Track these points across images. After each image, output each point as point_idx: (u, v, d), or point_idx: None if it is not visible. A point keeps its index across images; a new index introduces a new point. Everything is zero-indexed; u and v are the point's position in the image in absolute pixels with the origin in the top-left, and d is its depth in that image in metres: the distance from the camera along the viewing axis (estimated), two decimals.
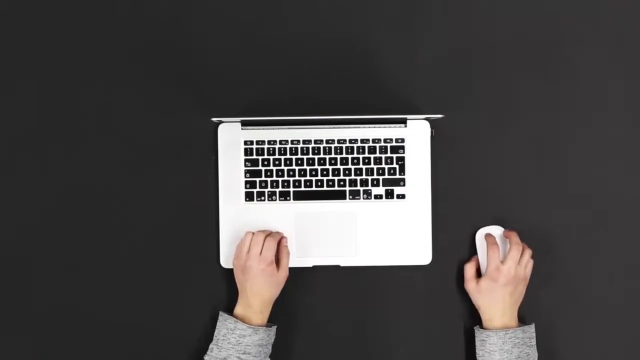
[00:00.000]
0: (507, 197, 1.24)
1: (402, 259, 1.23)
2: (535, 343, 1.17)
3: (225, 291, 1.23)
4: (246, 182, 1.23)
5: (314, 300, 1.24)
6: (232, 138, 1.23)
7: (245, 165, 1.23)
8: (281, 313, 1.19)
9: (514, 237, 1.18)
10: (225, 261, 1.22)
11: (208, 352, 1.14)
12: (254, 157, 1.23)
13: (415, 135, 1.23)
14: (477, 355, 1.17)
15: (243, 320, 1.14)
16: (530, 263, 1.18)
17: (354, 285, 1.24)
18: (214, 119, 1.17)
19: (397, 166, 1.23)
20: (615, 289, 1.24)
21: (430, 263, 1.23)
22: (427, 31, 1.25)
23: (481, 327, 1.18)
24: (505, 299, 1.15)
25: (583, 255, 1.24)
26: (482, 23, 1.25)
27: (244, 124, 1.22)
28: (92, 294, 1.23)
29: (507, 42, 1.25)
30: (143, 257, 1.24)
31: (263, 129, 1.22)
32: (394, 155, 1.23)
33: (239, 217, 1.22)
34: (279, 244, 1.18)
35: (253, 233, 1.17)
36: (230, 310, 1.18)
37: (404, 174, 1.23)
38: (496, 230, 1.23)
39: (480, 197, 1.24)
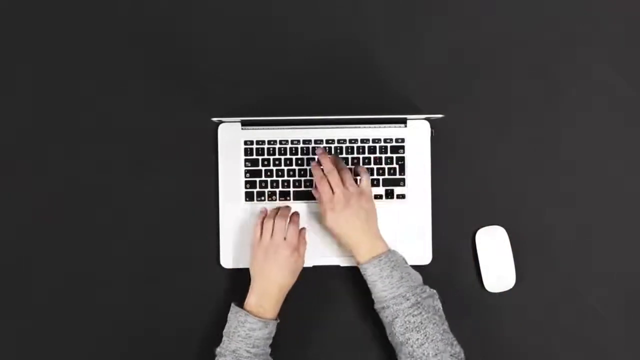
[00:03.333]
0: (507, 197, 1.24)
1: None
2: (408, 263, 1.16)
3: (225, 291, 1.23)
4: (246, 182, 1.23)
5: (314, 300, 1.24)
6: (232, 138, 1.23)
7: (245, 165, 1.23)
8: (281, 313, 1.19)
9: (326, 164, 1.17)
10: (225, 261, 1.22)
11: (221, 344, 1.14)
12: (254, 157, 1.23)
13: (415, 135, 1.23)
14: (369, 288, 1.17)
15: (256, 311, 1.14)
16: (364, 176, 1.17)
17: (354, 285, 1.24)
18: (214, 119, 1.17)
19: (397, 166, 1.23)
20: (614, 289, 1.24)
21: (430, 263, 1.23)
22: (427, 31, 1.25)
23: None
24: (354, 222, 1.15)
25: (583, 254, 1.24)
26: (482, 23, 1.25)
27: (244, 124, 1.22)
28: (92, 294, 1.23)
29: (507, 42, 1.25)
30: (143, 256, 1.24)
31: (263, 129, 1.22)
32: (394, 155, 1.23)
33: (239, 217, 1.22)
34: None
35: (272, 218, 1.16)
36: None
37: (404, 174, 1.23)
38: (496, 230, 1.23)
39: (480, 197, 1.24)
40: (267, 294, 1.15)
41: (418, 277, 1.15)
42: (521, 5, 1.25)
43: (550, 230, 1.24)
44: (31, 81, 1.24)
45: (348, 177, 1.16)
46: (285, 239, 1.15)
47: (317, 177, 1.17)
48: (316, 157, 1.22)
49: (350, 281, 1.24)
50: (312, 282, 1.23)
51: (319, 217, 1.21)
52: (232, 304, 1.16)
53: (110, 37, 1.25)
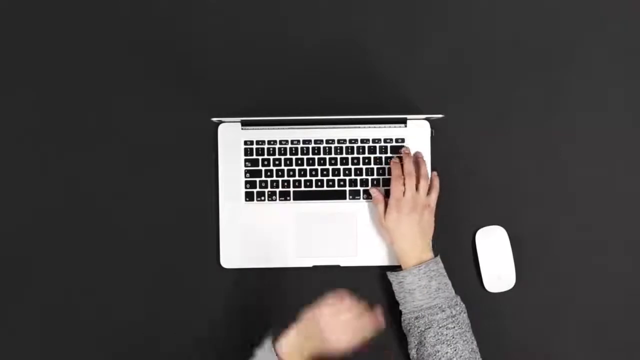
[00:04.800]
0: (507, 197, 1.24)
1: None
2: (445, 272, 1.16)
3: (225, 291, 1.23)
4: (246, 182, 1.23)
5: (314, 300, 1.24)
6: (232, 138, 1.23)
7: (245, 165, 1.23)
8: (281, 313, 1.19)
9: (407, 165, 1.17)
10: (225, 261, 1.22)
11: None
12: (254, 157, 1.23)
13: (415, 135, 1.23)
14: (397, 299, 1.17)
15: (288, 353, 1.04)
16: (434, 190, 1.18)
17: (354, 285, 1.24)
18: (214, 119, 1.17)
19: None
20: (615, 289, 1.24)
21: None
22: (427, 31, 1.25)
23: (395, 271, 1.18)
24: (413, 228, 1.15)
25: (583, 254, 1.24)
26: (482, 23, 1.25)
27: (244, 124, 1.22)
28: (92, 294, 1.23)
29: (507, 42, 1.25)
30: (143, 257, 1.24)
31: (263, 129, 1.22)
32: (394, 156, 1.23)
33: (239, 217, 1.22)
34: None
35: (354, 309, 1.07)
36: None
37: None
38: (496, 230, 1.23)
39: (480, 197, 1.24)
40: (303, 350, 1.05)
41: (451, 288, 1.16)
42: (521, 6, 1.25)
43: (550, 230, 1.24)
44: (31, 81, 1.24)
45: (424, 184, 1.17)
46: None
47: (394, 174, 1.17)
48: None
49: (350, 281, 1.24)
50: (312, 282, 1.23)
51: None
52: (266, 341, 1.07)
53: (111, 37, 1.25)
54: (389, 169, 1.22)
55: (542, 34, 1.25)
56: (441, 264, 1.16)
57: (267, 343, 1.07)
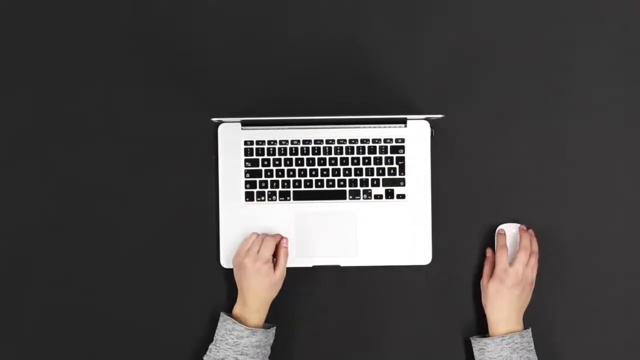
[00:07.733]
0: (507, 197, 1.24)
1: (402, 259, 1.23)
2: (533, 347, 1.16)
3: (225, 291, 1.23)
4: (246, 182, 1.23)
5: (314, 300, 1.24)
6: (232, 138, 1.23)
7: (245, 165, 1.23)
8: (281, 313, 1.20)
9: (525, 239, 1.18)
10: (225, 261, 1.23)
11: (207, 353, 1.15)
12: (254, 157, 1.23)
13: (415, 135, 1.23)
14: None
15: (240, 320, 1.14)
16: (536, 267, 1.18)
17: (354, 285, 1.24)
18: (214, 119, 1.17)
19: (397, 166, 1.23)
20: (615, 289, 1.24)
21: (430, 263, 1.23)
22: (427, 31, 1.25)
23: (482, 335, 1.19)
24: (511, 302, 1.15)
25: (583, 255, 1.24)
26: (482, 23, 1.25)
27: (244, 124, 1.22)
28: (92, 294, 1.23)
29: (507, 42, 1.25)
30: (143, 257, 1.24)
31: (263, 129, 1.23)
32: (394, 155, 1.23)
33: (239, 217, 1.22)
34: (278, 244, 1.18)
35: (258, 234, 1.17)
36: (231, 310, 1.18)
37: (404, 174, 1.23)
38: (512, 229, 1.22)
39: (480, 197, 1.24)
40: (247, 305, 1.15)
41: None
42: (521, 5, 1.25)
43: (550, 230, 1.24)
44: (31, 81, 1.24)
45: (534, 261, 1.17)
46: (258, 252, 1.15)
47: (499, 244, 1.19)
48: (501, 227, 1.23)
49: (350, 281, 1.24)
50: (312, 282, 1.23)
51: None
52: (221, 313, 1.17)
53: (111, 37, 1.25)
54: (389, 168, 1.22)
55: (542, 34, 1.25)
56: (528, 338, 1.15)
57: (221, 315, 1.16)
